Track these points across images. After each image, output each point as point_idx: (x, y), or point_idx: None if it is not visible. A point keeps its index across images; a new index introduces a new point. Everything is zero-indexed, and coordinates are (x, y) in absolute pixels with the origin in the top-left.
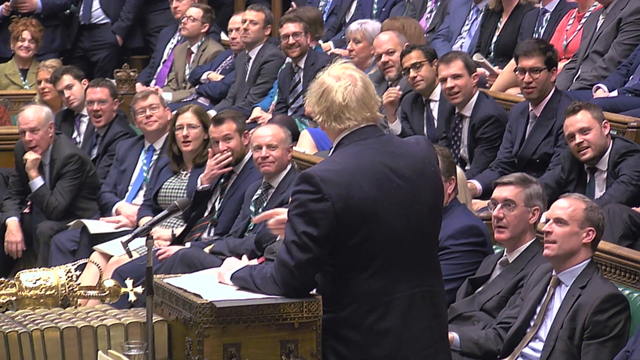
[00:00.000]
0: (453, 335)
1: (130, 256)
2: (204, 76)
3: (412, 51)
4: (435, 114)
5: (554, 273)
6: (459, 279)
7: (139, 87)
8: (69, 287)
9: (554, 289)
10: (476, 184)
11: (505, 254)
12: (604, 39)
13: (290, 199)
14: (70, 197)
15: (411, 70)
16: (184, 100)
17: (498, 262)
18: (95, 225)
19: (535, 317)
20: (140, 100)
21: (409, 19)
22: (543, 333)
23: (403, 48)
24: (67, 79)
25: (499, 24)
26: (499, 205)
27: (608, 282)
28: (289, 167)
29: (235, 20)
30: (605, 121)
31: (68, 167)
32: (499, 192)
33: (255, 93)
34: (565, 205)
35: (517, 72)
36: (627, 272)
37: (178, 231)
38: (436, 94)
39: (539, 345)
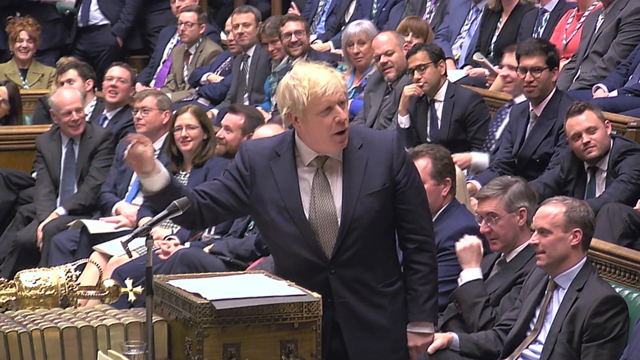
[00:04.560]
0: (452, 335)
1: (130, 256)
2: (204, 78)
3: (417, 52)
4: (439, 114)
5: (550, 277)
6: (457, 280)
7: (138, 87)
8: (68, 287)
9: (551, 292)
10: (476, 184)
11: (503, 254)
12: (604, 39)
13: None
14: (106, 176)
15: (415, 72)
16: (185, 100)
17: (496, 262)
18: (95, 225)
19: (535, 320)
20: (137, 101)
21: (422, 19)
22: (542, 336)
23: (402, 48)
24: (71, 73)
25: (498, 23)
26: (483, 220)
27: (605, 283)
28: None
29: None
30: (607, 121)
31: (105, 145)
32: (481, 207)
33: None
34: (546, 213)
35: (518, 71)
36: (626, 272)
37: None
38: (441, 95)
39: (538, 347)
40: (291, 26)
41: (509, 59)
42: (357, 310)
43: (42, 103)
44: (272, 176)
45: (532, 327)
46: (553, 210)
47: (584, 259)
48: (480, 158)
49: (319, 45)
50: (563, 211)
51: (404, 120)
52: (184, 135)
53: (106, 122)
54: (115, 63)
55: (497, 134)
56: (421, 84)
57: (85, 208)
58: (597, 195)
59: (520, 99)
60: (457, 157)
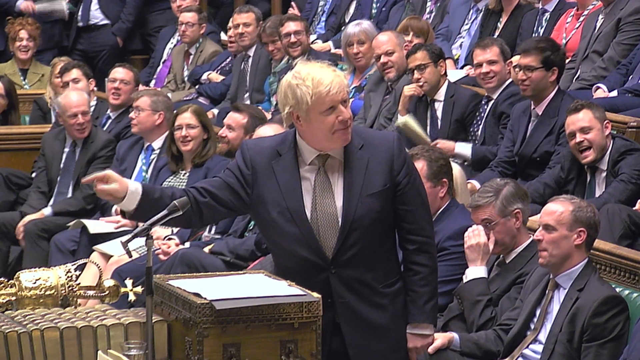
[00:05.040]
0: (453, 335)
1: (130, 256)
2: (204, 76)
3: (417, 52)
4: (439, 113)
5: (551, 276)
6: (457, 280)
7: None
8: (68, 287)
9: (552, 292)
10: (476, 184)
11: (502, 255)
12: (604, 38)
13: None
14: None
15: (415, 71)
16: (185, 99)
17: (495, 264)
18: (95, 225)
19: (535, 320)
20: (134, 100)
21: (423, 19)
22: (543, 336)
23: (402, 48)
24: (75, 72)
25: (498, 23)
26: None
27: (606, 283)
28: None
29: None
30: (606, 121)
31: (106, 152)
32: (475, 215)
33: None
34: (552, 210)
35: (515, 69)
36: (626, 272)
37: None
38: (441, 94)
39: (538, 347)
40: (290, 26)
41: (482, 55)
42: (357, 311)
43: (37, 104)
44: (274, 176)
45: (532, 327)
46: (560, 208)
47: (586, 260)
48: (463, 149)
49: (319, 45)
50: (570, 210)
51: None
52: (184, 134)
53: (109, 121)
54: (119, 64)
55: (479, 132)
56: (421, 83)
57: (71, 213)
58: (596, 194)
59: (496, 93)
60: (441, 143)
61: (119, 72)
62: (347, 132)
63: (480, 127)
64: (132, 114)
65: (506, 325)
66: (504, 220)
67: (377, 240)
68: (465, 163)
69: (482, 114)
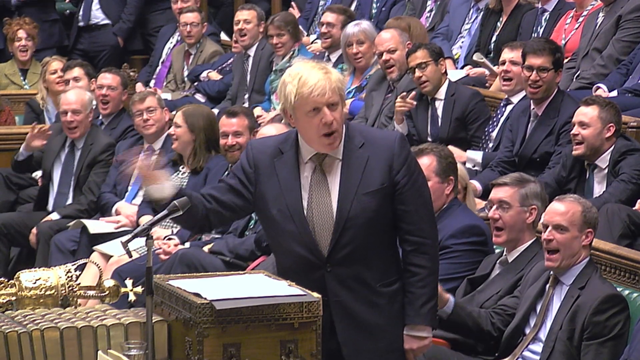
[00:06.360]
0: (448, 297)
1: (130, 256)
2: (204, 74)
3: (417, 50)
4: (439, 112)
5: (552, 272)
6: (459, 278)
7: (139, 87)
8: (68, 287)
9: (552, 289)
10: (476, 184)
11: (505, 253)
12: (604, 36)
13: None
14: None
15: (416, 70)
16: (183, 93)
17: (498, 262)
18: (95, 225)
19: (535, 317)
20: (138, 103)
21: (413, 18)
22: (542, 334)
23: (405, 47)
24: (77, 71)
25: (498, 23)
26: (494, 207)
27: (607, 282)
28: None
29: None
30: (610, 124)
31: (105, 156)
32: (495, 194)
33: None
34: (563, 210)
35: (524, 70)
36: (626, 272)
37: None
38: (441, 93)
39: (538, 347)
40: (326, 17)
41: (510, 54)
42: (352, 309)
43: (30, 106)
44: (275, 174)
45: (532, 323)
46: (570, 208)
47: (588, 258)
48: (474, 155)
49: (318, 46)
50: (580, 210)
51: (400, 129)
52: (170, 132)
53: (103, 127)
54: (105, 70)
55: (494, 134)
56: (423, 82)
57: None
58: (594, 193)
59: (517, 98)
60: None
61: (106, 78)
62: (332, 137)
63: (496, 130)
64: (145, 116)
65: (501, 309)
66: (520, 209)
67: (373, 239)
68: (474, 167)
69: (499, 117)
